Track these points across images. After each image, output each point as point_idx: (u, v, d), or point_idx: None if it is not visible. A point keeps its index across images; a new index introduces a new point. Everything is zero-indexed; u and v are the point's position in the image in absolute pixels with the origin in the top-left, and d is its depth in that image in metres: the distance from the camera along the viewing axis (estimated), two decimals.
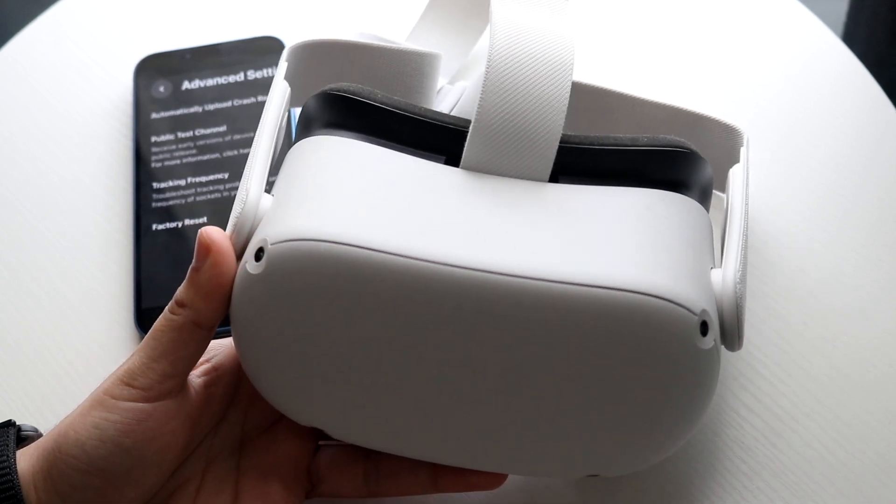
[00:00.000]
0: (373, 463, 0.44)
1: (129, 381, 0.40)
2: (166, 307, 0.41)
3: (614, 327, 0.37)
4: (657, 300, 0.37)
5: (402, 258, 0.37)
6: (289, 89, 0.47)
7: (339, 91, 0.42)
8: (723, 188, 0.51)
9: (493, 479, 0.43)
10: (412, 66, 0.52)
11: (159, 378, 0.40)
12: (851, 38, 0.81)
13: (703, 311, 0.38)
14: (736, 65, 0.60)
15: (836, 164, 0.56)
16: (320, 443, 0.45)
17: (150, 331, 0.41)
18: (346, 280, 0.38)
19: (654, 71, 0.60)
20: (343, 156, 0.41)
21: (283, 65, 0.47)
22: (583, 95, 0.52)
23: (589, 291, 0.37)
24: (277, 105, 0.45)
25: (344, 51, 0.51)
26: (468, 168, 0.41)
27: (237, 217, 0.41)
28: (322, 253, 0.37)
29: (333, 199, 0.39)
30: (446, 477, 0.43)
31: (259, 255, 0.39)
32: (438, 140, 0.42)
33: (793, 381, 0.50)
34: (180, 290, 0.41)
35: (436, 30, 0.59)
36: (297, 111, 0.54)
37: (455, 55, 0.59)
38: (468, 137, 0.41)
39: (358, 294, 0.38)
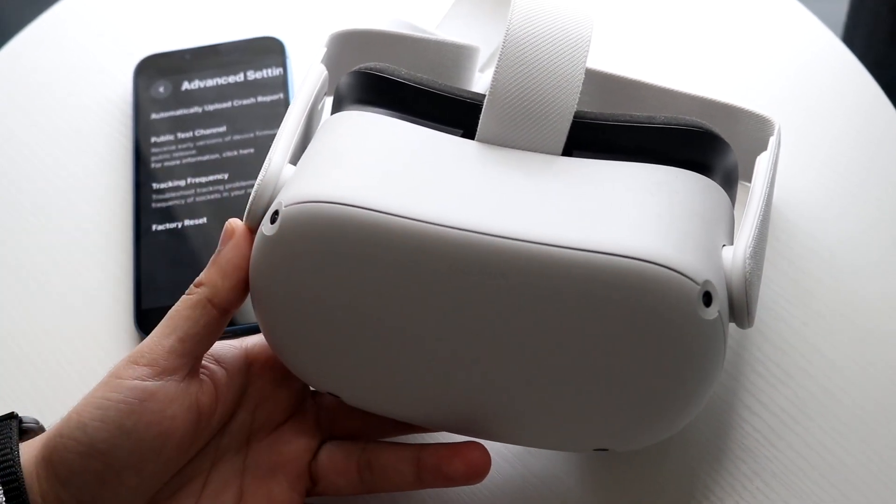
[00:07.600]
0: (365, 459, 0.44)
1: (135, 360, 0.41)
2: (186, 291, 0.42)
3: (614, 294, 0.37)
4: (658, 268, 0.37)
5: (409, 220, 0.38)
6: (326, 72, 0.47)
7: (364, 69, 0.44)
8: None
9: (472, 474, 0.43)
10: (450, 58, 0.53)
11: (165, 354, 0.41)
12: (851, 38, 0.81)
13: (707, 282, 0.38)
14: (735, 65, 0.60)
15: (835, 165, 0.56)
16: (327, 442, 0.45)
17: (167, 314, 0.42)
18: (355, 241, 0.38)
19: (652, 71, 0.60)
20: (359, 127, 0.42)
21: (322, 49, 0.48)
22: (613, 86, 0.52)
23: (588, 256, 0.37)
24: (312, 83, 0.46)
25: (384, 41, 0.52)
26: (483, 140, 0.41)
27: (258, 184, 0.42)
28: (333, 214, 0.38)
29: (346, 165, 0.40)
30: (427, 472, 0.43)
31: (274, 217, 0.40)
32: (455, 114, 0.42)
33: (792, 382, 0.50)
34: (202, 273, 0.42)
35: (466, 20, 0.60)
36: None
37: (484, 45, 0.59)
38: (483, 110, 0.41)
39: (367, 255, 0.39)
